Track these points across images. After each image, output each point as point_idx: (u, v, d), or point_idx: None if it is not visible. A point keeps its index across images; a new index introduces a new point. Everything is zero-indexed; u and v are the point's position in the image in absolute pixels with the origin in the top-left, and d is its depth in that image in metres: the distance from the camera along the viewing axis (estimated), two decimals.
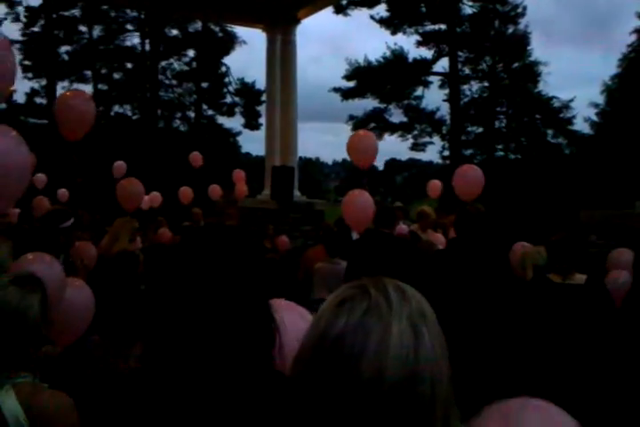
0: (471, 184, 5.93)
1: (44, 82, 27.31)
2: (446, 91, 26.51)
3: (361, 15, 26.40)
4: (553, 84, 26.62)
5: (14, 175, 2.32)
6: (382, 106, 27.47)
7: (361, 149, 6.06)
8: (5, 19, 26.47)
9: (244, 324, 1.11)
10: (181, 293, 1.14)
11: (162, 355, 1.12)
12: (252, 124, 29.03)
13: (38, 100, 27.25)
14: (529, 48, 25.61)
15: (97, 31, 27.80)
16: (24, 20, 26.89)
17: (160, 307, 1.15)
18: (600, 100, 24.89)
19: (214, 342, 1.09)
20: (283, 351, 1.17)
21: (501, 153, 26.88)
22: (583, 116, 25.10)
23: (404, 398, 0.77)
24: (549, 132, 25.67)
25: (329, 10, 14.68)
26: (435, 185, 10.06)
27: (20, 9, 26.58)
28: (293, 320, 1.61)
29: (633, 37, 23.96)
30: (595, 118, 24.94)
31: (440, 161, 29.05)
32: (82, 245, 4.28)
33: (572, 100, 25.30)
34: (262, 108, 24.40)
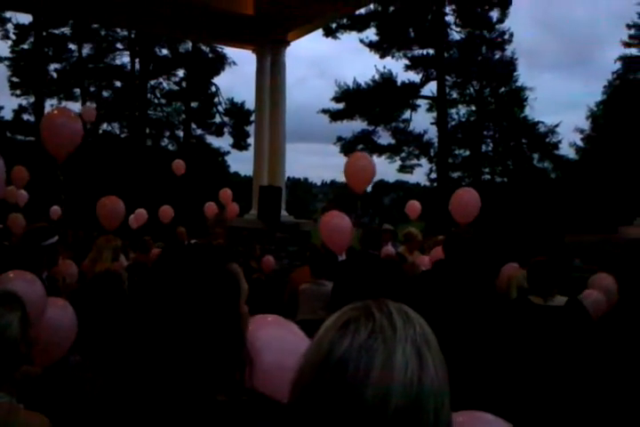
0: (468, 207, 5.92)
1: (32, 99, 27.31)
2: (434, 114, 26.87)
3: (346, 38, 26.81)
4: (538, 109, 26.98)
5: None
6: (370, 128, 27.73)
7: (359, 171, 6.02)
8: None
9: (209, 344, 1.09)
10: (148, 312, 1.12)
11: (128, 372, 1.11)
12: (240, 144, 29.14)
13: (26, 117, 27.22)
14: (515, 73, 26.09)
15: (87, 49, 27.98)
16: (13, 37, 26.98)
17: (130, 326, 1.13)
18: (585, 125, 25.34)
19: (179, 362, 1.07)
20: (255, 372, 1.15)
21: (488, 176, 27.16)
22: (569, 142, 25.52)
23: (409, 425, 0.75)
24: (535, 156, 26.02)
25: (317, 33, 14.83)
26: (413, 205, 10.08)
27: (10, 26, 26.72)
28: (281, 335, 1.59)
29: (617, 65, 24.50)
30: (580, 143, 25.35)
31: (427, 183, 29.30)
32: (63, 264, 4.22)
33: (557, 126, 25.76)
34: (251, 129, 24.54)
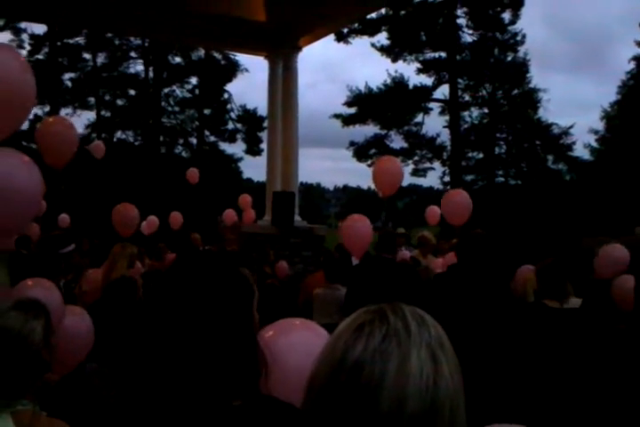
0: (458, 209, 5.91)
1: (47, 108, 27.60)
2: (446, 117, 26.78)
3: (355, 43, 26.81)
4: (550, 110, 26.78)
5: (27, 198, 2.33)
6: (383, 132, 27.71)
7: (388, 176, 5.99)
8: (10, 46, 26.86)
9: (223, 349, 1.10)
10: (163, 317, 1.13)
11: (144, 380, 1.12)
12: (253, 149, 29.25)
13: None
14: (528, 75, 25.96)
15: (101, 58, 28.26)
16: (28, 47, 27.34)
17: (144, 333, 1.15)
18: (600, 126, 25.14)
19: (193, 367, 1.08)
20: (270, 379, 1.15)
21: (502, 179, 27.03)
22: (583, 143, 25.32)
23: None
24: (549, 158, 25.83)
25: (327, 38, 14.88)
26: (433, 211, 10.00)
27: (25, 36, 27.07)
28: (307, 339, 1.59)
29: (632, 65, 24.30)
30: (595, 145, 25.14)
31: (441, 187, 29.18)
32: (93, 273, 4.26)
33: (571, 127, 25.57)
34: (264, 135, 24.62)
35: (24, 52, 27.06)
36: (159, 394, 1.09)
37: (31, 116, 27.16)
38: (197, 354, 1.08)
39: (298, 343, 1.61)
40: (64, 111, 27.60)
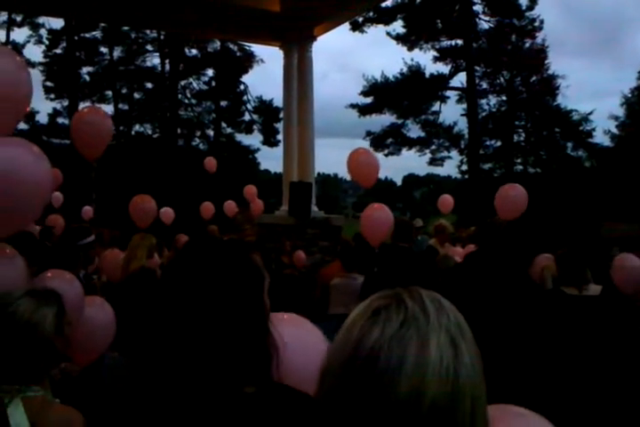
0: (514, 204, 5.82)
1: (66, 103, 27.84)
2: (464, 105, 26.55)
3: (370, 31, 26.60)
4: (569, 97, 26.37)
5: (33, 189, 2.33)
6: (400, 121, 27.54)
7: (362, 166, 5.93)
8: (29, 41, 27.16)
9: (234, 335, 1.10)
10: (175, 305, 1.14)
11: (157, 369, 1.13)
12: (270, 141, 29.25)
13: (61, 120, 27.75)
14: (546, 61, 25.59)
15: (117, 52, 28.38)
16: (46, 42, 27.55)
17: (156, 322, 1.15)
18: (620, 112, 24.76)
19: (205, 353, 1.08)
20: (281, 368, 1.16)
21: (520, 167, 26.75)
22: (603, 129, 24.96)
23: (445, 419, 0.71)
24: (569, 145, 25.51)
25: (343, 27, 14.78)
26: (446, 200, 9.99)
27: (43, 31, 27.29)
28: (297, 335, 1.60)
29: None
30: (615, 131, 24.78)
31: (459, 175, 29.03)
32: (111, 254, 4.30)
33: (591, 113, 25.18)
34: (280, 125, 24.62)
35: (43, 47, 27.36)
36: (171, 381, 1.09)
37: (50, 111, 27.51)
38: (207, 340, 1.09)
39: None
40: (83, 105, 27.82)
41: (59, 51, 27.80)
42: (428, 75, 26.63)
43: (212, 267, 1.15)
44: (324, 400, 0.78)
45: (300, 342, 1.53)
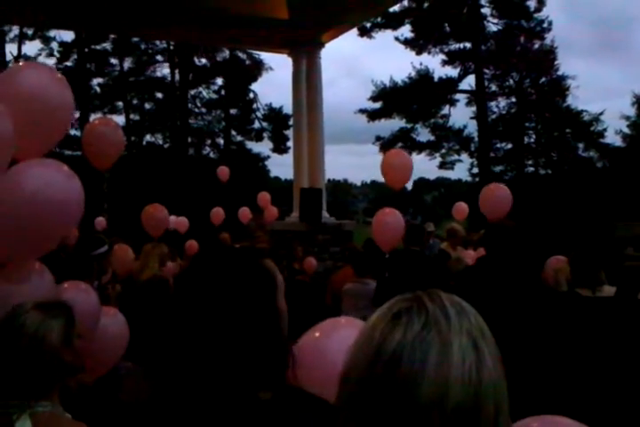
0: (498, 204, 5.83)
1: (77, 114, 28.08)
2: (473, 108, 26.47)
3: (378, 37, 26.63)
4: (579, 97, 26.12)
5: (65, 209, 2.40)
6: (409, 126, 27.50)
7: (396, 167, 5.99)
8: (40, 54, 27.48)
9: (247, 341, 1.10)
10: (187, 313, 1.14)
11: (171, 378, 1.13)
12: (280, 148, 29.32)
13: (72, 132, 27.97)
14: (556, 62, 25.47)
15: (128, 63, 28.59)
16: (57, 55, 27.85)
17: (173, 329, 1.16)
18: (631, 112, 24.58)
19: (219, 360, 1.09)
20: (298, 372, 1.15)
21: (532, 169, 26.57)
22: (614, 129, 24.77)
23: (468, 422, 0.70)
24: (580, 145, 25.31)
25: (351, 32, 14.80)
26: (460, 207, 9.97)
27: (54, 44, 27.58)
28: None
29: None
30: (626, 130, 24.59)
31: (469, 179, 28.91)
32: (119, 249, 4.33)
33: (602, 113, 24.97)
34: (290, 132, 24.70)
35: (54, 60, 27.67)
36: (185, 388, 1.10)
37: None
38: (220, 347, 1.09)
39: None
40: (94, 117, 28.07)
41: (69, 63, 28.08)
42: (436, 78, 26.60)
43: (223, 275, 1.15)
44: (345, 406, 0.77)
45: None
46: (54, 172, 2.44)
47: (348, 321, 1.78)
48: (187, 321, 1.14)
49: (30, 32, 26.70)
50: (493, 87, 26.60)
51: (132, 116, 29.06)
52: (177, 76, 28.82)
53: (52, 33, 26.80)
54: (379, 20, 25.24)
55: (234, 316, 1.11)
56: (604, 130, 24.80)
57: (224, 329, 1.10)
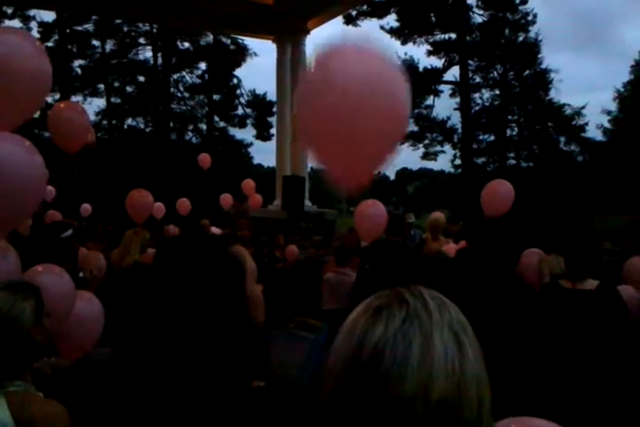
0: (501, 201, 5.81)
1: (57, 96, 27.63)
2: (457, 99, 26.55)
3: (364, 25, 26.48)
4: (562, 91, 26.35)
5: (27, 185, 2.31)
6: None
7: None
8: None
9: (216, 329, 1.09)
10: (160, 301, 1.13)
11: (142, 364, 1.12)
12: (263, 135, 29.18)
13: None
14: (539, 56, 25.61)
15: (110, 45, 28.20)
16: (37, 35, 27.29)
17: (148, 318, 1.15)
18: (612, 106, 24.81)
19: (189, 349, 1.08)
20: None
21: (513, 161, 26.78)
22: (595, 124, 25.00)
23: (452, 414, 0.71)
24: (561, 139, 25.55)
25: (337, 20, 14.72)
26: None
27: (34, 24, 27.05)
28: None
29: None
30: (607, 125, 24.83)
31: (452, 170, 29.04)
32: (91, 255, 4.29)
33: (583, 108, 25.21)
34: (274, 119, 24.58)
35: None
36: (156, 377, 1.09)
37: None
38: (190, 334, 1.08)
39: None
40: (75, 98, 27.63)
41: (50, 44, 27.54)
42: (421, 68, 26.60)
43: (188, 262, 1.14)
44: (330, 401, 0.77)
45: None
46: (15, 146, 2.31)
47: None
48: (156, 309, 1.13)
49: (10, 11, 26.14)
50: (477, 79, 26.71)
51: (113, 99, 28.68)
52: (159, 60, 28.47)
53: (32, 12, 26.28)
54: (364, 8, 25.11)
55: (200, 303, 1.09)
56: (586, 124, 25.09)
57: (189, 316, 1.08)
